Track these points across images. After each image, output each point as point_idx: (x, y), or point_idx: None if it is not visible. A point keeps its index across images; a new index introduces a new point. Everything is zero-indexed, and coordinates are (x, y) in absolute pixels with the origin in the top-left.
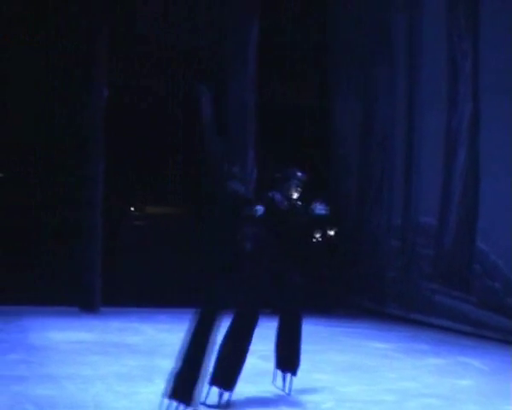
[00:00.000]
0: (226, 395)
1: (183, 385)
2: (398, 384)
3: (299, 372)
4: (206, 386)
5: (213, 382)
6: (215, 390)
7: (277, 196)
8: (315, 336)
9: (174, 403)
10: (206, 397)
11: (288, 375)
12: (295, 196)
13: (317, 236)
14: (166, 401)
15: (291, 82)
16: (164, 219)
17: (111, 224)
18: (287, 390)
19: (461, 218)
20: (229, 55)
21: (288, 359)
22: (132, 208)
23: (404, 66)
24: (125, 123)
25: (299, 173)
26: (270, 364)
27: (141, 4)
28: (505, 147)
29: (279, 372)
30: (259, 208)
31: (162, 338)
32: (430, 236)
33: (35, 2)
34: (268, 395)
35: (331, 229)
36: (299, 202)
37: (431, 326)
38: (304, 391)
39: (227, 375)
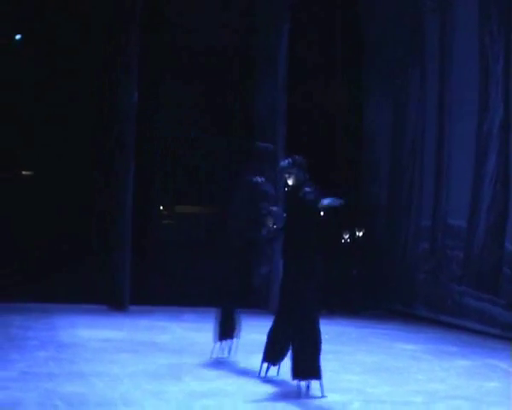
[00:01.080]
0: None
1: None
2: (426, 386)
3: (328, 373)
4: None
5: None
6: None
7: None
8: (344, 337)
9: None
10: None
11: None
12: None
13: (346, 237)
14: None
15: (323, 86)
16: (193, 219)
17: (141, 223)
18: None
19: (490, 221)
20: (260, 56)
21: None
22: (162, 207)
23: (436, 69)
24: (153, 125)
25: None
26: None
27: (173, 12)
28: None
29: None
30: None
31: (190, 337)
32: (460, 238)
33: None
34: (291, 392)
35: (359, 230)
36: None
37: (459, 328)
38: (332, 391)
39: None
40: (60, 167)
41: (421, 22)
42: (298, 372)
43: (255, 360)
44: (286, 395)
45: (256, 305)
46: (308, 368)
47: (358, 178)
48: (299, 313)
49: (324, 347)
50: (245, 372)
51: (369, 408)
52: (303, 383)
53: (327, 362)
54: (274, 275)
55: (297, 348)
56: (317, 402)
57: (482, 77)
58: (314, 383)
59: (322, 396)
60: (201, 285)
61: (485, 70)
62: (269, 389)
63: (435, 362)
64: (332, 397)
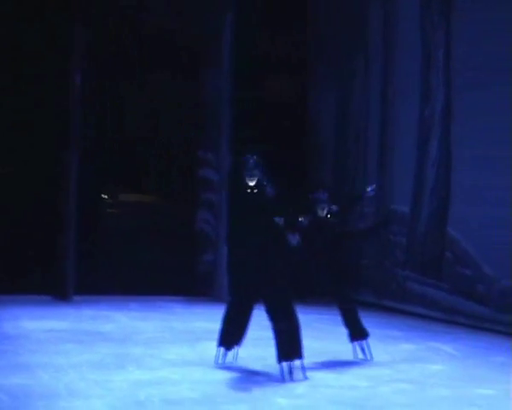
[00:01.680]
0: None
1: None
2: (371, 370)
3: (272, 357)
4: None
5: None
6: None
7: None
8: None
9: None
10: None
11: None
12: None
13: None
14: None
15: (268, 72)
16: (137, 207)
17: (85, 212)
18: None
19: (433, 207)
20: (205, 44)
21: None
22: (105, 196)
23: (379, 56)
24: (100, 110)
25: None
26: (242, 350)
27: None
28: (476, 137)
29: None
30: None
31: (135, 326)
32: (403, 224)
33: None
34: (238, 380)
35: (304, 216)
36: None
37: (403, 313)
38: (277, 376)
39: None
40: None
41: (366, 11)
42: (283, 355)
43: (200, 348)
44: (231, 381)
45: (201, 292)
46: (292, 350)
47: (303, 162)
48: (276, 298)
49: (270, 333)
50: (190, 361)
51: (315, 393)
52: (285, 366)
53: (273, 348)
54: (219, 262)
55: (280, 332)
56: (263, 386)
57: (424, 64)
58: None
59: (305, 378)
60: (147, 274)
61: (427, 58)
62: (214, 376)
63: (380, 346)
64: (277, 382)
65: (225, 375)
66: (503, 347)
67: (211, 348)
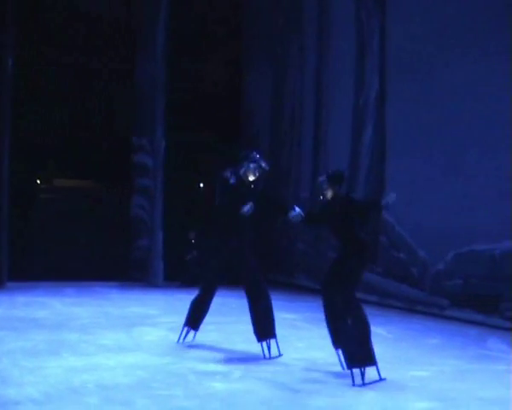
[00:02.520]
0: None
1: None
2: (306, 353)
3: (210, 343)
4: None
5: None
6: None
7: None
8: (226, 307)
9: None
10: None
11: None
12: (251, 178)
13: None
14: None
15: (203, 57)
16: (72, 193)
17: (18, 198)
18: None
19: (367, 191)
20: (138, 27)
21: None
22: (39, 181)
23: (314, 41)
24: (32, 93)
25: (260, 160)
26: (176, 335)
27: None
28: (410, 124)
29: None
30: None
31: (70, 312)
32: None
33: None
34: (173, 365)
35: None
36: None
37: None
38: (213, 361)
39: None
40: None
41: None
42: (262, 335)
43: (135, 334)
44: (166, 366)
45: (136, 278)
46: (268, 329)
47: (238, 149)
48: (251, 281)
49: (206, 318)
50: (125, 346)
51: (249, 378)
52: (265, 345)
53: (208, 333)
54: (154, 248)
55: (258, 312)
56: (198, 372)
57: (358, 51)
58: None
59: (280, 355)
60: (82, 260)
61: (361, 44)
62: (149, 361)
63: (315, 330)
64: (214, 367)
65: (160, 360)
66: (436, 329)
67: (146, 333)
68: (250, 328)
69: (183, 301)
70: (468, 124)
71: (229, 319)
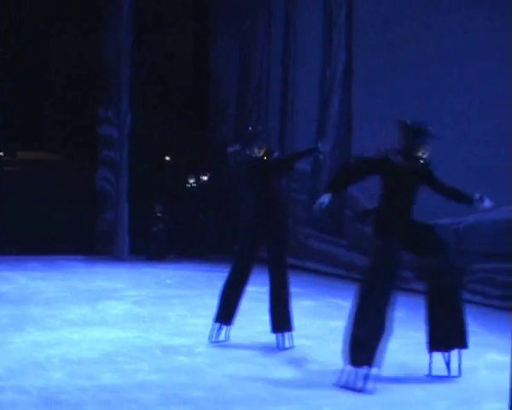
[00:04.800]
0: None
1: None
2: None
3: (175, 316)
4: None
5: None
6: None
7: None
8: (191, 281)
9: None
10: None
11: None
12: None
13: (191, 181)
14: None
15: (169, 29)
16: (37, 165)
17: None
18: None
19: (333, 165)
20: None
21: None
22: (2, 154)
23: (282, 13)
24: None
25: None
26: (142, 309)
27: None
28: (377, 97)
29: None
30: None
31: (35, 286)
32: (304, 182)
33: None
34: (138, 339)
35: (205, 174)
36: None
37: (304, 270)
38: (178, 335)
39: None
40: None
41: None
42: (277, 327)
43: (101, 308)
44: (132, 340)
45: (102, 251)
46: (285, 322)
47: (205, 120)
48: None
49: (171, 291)
50: (90, 320)
51: (214, 350)
52: (280, 336)
53: (173, 306)
54: (120, 221)
55: (278, 303)
56: (163, 347)
57: (326, 24)
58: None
59: (291, 347)
60: (47, 233)
61: (329, 17)
62: (114, 335)
63: None
64: (179, 341)
65: (126, 334)
66: (401, 302)
67: (111, 307)
68: (214, 302)
69: (148, 274)
70: (433, 96)
71: (194, 292)
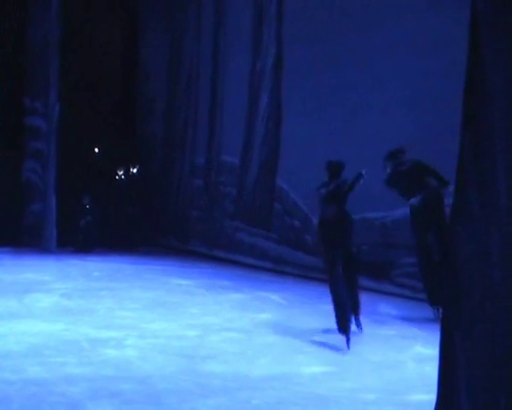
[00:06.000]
0: None
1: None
2: (201, 319)
3: (103, 309)
4: None
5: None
6: None
7: None
8: (119, 273)
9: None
10: None
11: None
12: None
13: (120, 173)
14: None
15: (99, 20)
16: None
17: None
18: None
19: (262, 158)
20: None
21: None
22: None
23: (211, 7)
24: None
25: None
26: (70, 302)
27: None
28: (305, 91)
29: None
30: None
31: None
32: (233, 175)
33: None
34: (65, 332)
35: (133, 166)
36: None
37: (233, 263)
38: (106, 328)
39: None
40: None
41: None
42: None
43: (28, 300)
44: (58, 333)
45: (29, 243)
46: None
47: (134, 113)
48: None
49: (99, 284)
50: (17, 313)
51: (143, 343)
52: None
53: (101, 299)
54: (47, 212)
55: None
56: (91, 339)
57: (256, 17)
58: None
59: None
60: None
61: (259, 10)
62: (41, 328)
63: (209, 296)
64: (107, 334)
65: (53, 327)
66: (330, 296)
67: (38, 299)
68: (142, 295)
69: (76, 266)
70: (363, 88)
71: (122, 284)
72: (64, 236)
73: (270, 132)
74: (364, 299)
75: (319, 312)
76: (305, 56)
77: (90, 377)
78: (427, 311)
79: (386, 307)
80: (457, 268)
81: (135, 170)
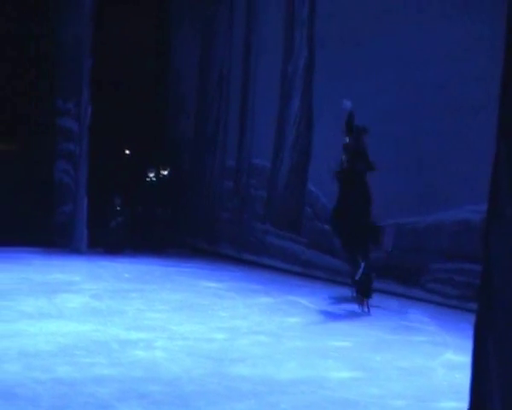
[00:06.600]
0: None
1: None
2: (229, 323)
3: (132, 311)
4: None
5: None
6: None
7: None
8: (148, 275)
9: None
10: None
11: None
12: None
13: (151, 175)
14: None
15: (130, 21)
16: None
17: None
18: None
19: (293, 161)
20: None
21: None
22: None
23: (243, 8)
24: None
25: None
26: (100, 302)
27: None
28: (336, 94)
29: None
30: None
31: None
32: (263, 178)
33: None
34: (95, 333)
35: (164, 168)
36: None
37: (262, 266)
38: (136, 329)
39: None
40: None
41: None
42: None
43: (58, 300)
44: (88, 334)
45: (59, 244)
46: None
47: (165, 114)
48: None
49: (129, 285)
50: (47, 313)
51: (172, 345)
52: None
53: (131, 300)
54: (78, 213)
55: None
56: (121, 341)
57: (288, 20)
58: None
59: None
60: (4, 225)
61: (291, 14)
62: (71, 328)
63: (238, 299)
64: (136, 335)
65: (83, 327)
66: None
67: (68, 300)
68: (172, 296)
69: (106, 268)
70: (395, 92)
71: (151, 286)
72: (94, 237)
73: (301, 136)
74: (395, 305)
75: (348, 316)
76: (337, 59)
77: (119, 378)
78: (458, 317)
79: (417, 313)
80: (491, 270)
81: (165, 172)
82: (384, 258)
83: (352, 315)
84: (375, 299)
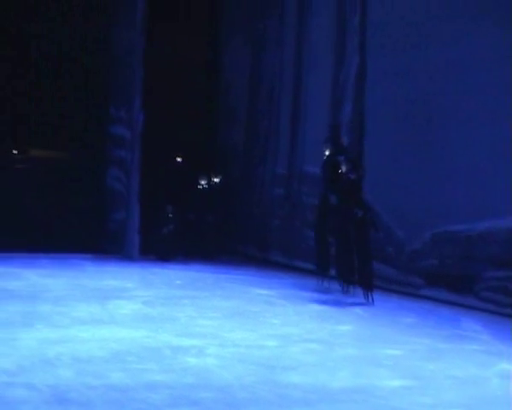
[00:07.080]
0: None
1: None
2: (281, 330)
3: (184, 317)
4: None
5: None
6: None
7: None
8: (200, 282)
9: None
10: None
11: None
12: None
13: (203, 183)
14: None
15: (181, 31)
16: (49, 163)
17: None
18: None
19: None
20: None
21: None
22: (15, 151)
23: (294, 16)
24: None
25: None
26: (152, 309)
27: None
28: (389, 102)
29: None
30: None
31: (44, 284)
32: (314, 185)
33: None
34: (147, 339)
35: (216, 176)
36: None
37: (313, 274)
38: (187, 336)
39: None
40: None
41: None
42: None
43: (110, 307)
44: (140, 340)
45: (111, 250)
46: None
47: (215, 122)
48: None
49: (180, 292)
50: (99, 319)
51: (223, 352)
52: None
53: (182, 307)
54: (130, 220)
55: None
56: (173, 347)
57: (339, 28)
58: None
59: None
60: (57, 231)
61: (343, 22)
62: (123, 334)
63: (289, 307)
64: (188, 342)
65: (135, 334)
66: (411, 308)
67: (121, 306)
68: (223, 303)
69: (158, 274)
70: (449, 100)
71: (203, 293)
72: (146, 244)
73: (352, 144)
74: (447, 313)
75: (400, 325)
76: (389, 67)
77: (170, 385)
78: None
79: (470, 321)
80: None
81: (217, 179)
82: (436, 266)
83: (403, 323)
84: (429, 306)
